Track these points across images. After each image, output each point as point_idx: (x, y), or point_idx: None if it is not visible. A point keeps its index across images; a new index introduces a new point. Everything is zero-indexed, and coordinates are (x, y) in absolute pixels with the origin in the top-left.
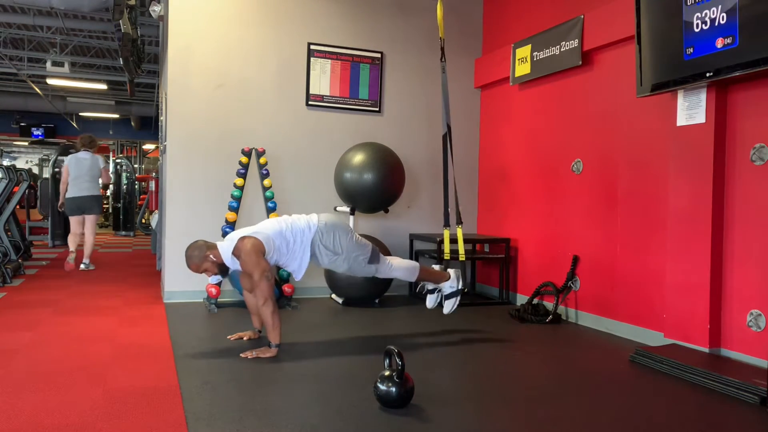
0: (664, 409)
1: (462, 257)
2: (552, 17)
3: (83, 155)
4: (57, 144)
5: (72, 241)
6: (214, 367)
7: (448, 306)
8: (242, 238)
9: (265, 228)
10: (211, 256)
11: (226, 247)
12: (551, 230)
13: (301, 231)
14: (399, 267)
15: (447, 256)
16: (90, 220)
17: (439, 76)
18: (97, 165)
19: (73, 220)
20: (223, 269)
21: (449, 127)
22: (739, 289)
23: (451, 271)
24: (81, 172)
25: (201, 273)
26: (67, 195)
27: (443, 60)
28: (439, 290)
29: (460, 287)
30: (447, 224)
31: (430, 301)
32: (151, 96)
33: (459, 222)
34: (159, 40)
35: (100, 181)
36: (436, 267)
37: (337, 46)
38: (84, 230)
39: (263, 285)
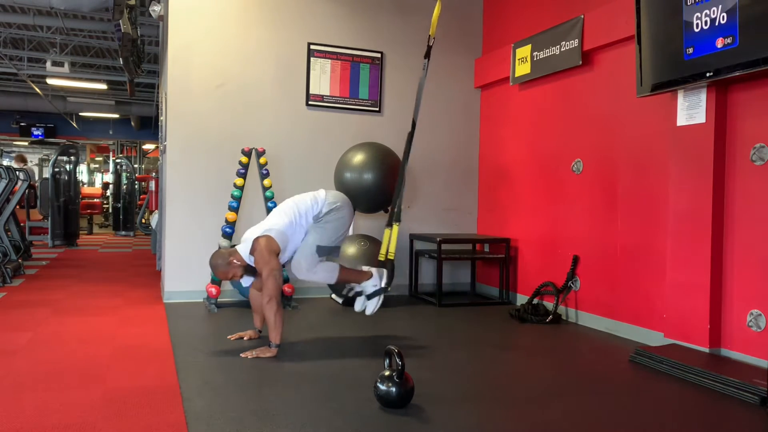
0: (664, 409)
1: (391, 256)
2: (552, 17)
3: None
4: (57, 144)
5: None
6: (214, 367)
7: (370, 306)
8: (257, 238)
9: (275, 224)
10: (234, 260)
11: (244, 249)
12: (551, 230)
13: (306, 214)
14: (321, 268)
15: (382, 257)
16: None
17: (439, 75)
18: None
19: None
20: (249, 269)
21: (414, 125)
22: (739, 288)
23: (373, 269)
24: None
25: (231, 279)
26: None
27: (427, 58)
28: (363, 291)
29: (383, 285)
30: (390, 224)
31: (358, 304)
32: (151, 96)
33: (397, 219)
34: (159, 40)
35: None
36: (370, 268)
37: (337, 46)
38: None
39: (270, 283)
